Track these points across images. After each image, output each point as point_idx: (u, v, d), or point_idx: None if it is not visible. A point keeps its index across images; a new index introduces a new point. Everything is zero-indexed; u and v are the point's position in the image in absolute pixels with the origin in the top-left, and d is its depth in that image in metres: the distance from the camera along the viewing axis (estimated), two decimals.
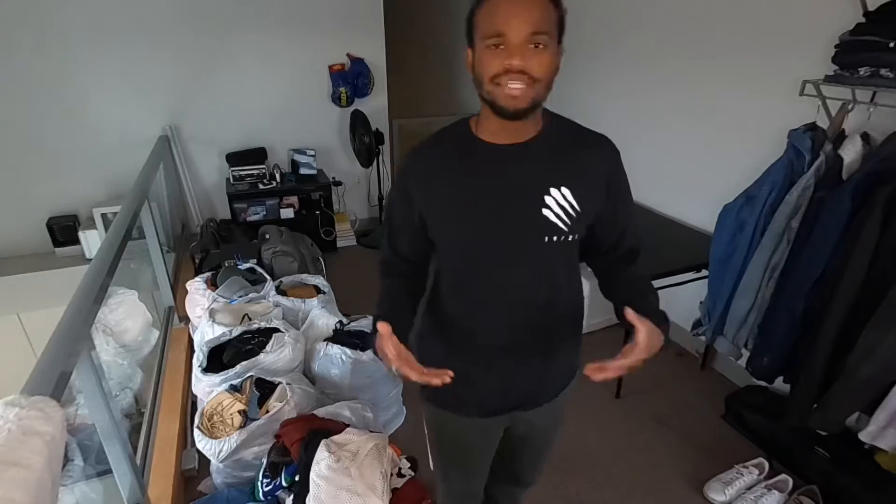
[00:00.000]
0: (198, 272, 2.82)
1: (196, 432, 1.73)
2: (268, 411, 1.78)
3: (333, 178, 3.88)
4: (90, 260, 1.86)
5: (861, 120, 1.64)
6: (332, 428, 1.71)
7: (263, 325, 2.13)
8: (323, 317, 2.26)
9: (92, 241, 3.25)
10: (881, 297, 1.45)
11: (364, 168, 3.92)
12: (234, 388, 1.88)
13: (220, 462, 1.70)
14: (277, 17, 3.47)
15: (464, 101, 4.91)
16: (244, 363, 1.92)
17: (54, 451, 0.79)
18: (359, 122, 3.66)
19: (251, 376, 1.89)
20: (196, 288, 2.46)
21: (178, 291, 2.71)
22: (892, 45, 1.44)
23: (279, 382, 1.87)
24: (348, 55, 3.74)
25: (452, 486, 1.27)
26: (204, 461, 1.86)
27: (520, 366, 1.02)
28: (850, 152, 1.60)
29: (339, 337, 2.14)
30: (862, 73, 1.53)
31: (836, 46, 1.62)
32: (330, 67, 3.71)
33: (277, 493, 1.66)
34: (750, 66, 2.08)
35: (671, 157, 2.58)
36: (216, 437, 1.70)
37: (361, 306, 2.47)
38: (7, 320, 2.99)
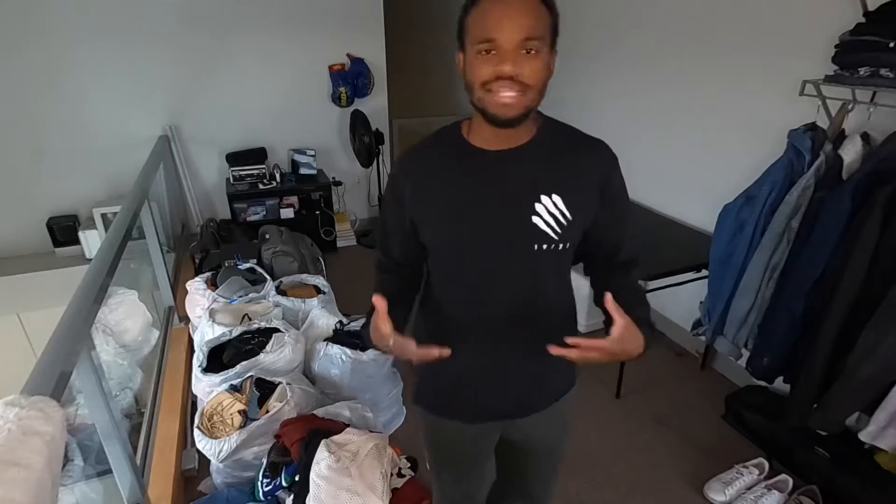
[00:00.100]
0: (198, 272, 2.82)
1: (196, 432, 1.73)
2: (268, 411, 1.78)
3: (333, 178, 3.88)
4: (90, 260, 1.86)
5: (861, 120, 1.64)
6: (332, 428, 1.71)
7: (263, 325, 2.13)
8: (323, 317, 2.26)
9: (92, 241, 3.25)
10: (881, 297, 1.45)
11: (364, 168, 3.92)
12: (234, 388, 1.88)
13: (220, 462, 1.70)
14: (277, 17, 3.47)
15: (464, 102, 4.78)
16: (244, 363, 1.92)
17: (54, 451, 0.79)
18: (359, 122, 3.67)
19: (251, 376, 1.89)
20: (196, 288, 2.46)
21: (178, 291, 2.71)
22: (892, 45, 1.44)
23: (279, 382, 1.87)
24: (348, 55, 3.74)
25: (445, 488, 1.26)
26: (204, 461, 1.86)
27: (510, 373, 1.00)
28: (850, 152, 1.60)
29: (339, 337, 2.14)
30: (862, 73, 1.53)
31: (836, 46, 1.62)
32: (330, 67, 3.72)
33: (277, 493, 1.67)
34: (750, 66, 2.08)
35: (671, 157, 2.58)
36: (216, 437, 1.70)
37: (361, 306, 2.45)
38: (7, 320, 3.00)
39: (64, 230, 3.34)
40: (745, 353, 1.94)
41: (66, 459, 1.68)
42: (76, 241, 3.32)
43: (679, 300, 2.41)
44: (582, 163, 0.90)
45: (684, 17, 2.38)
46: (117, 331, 2.20)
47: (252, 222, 3.53)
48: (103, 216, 3.18)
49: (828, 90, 1.69)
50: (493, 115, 0.80)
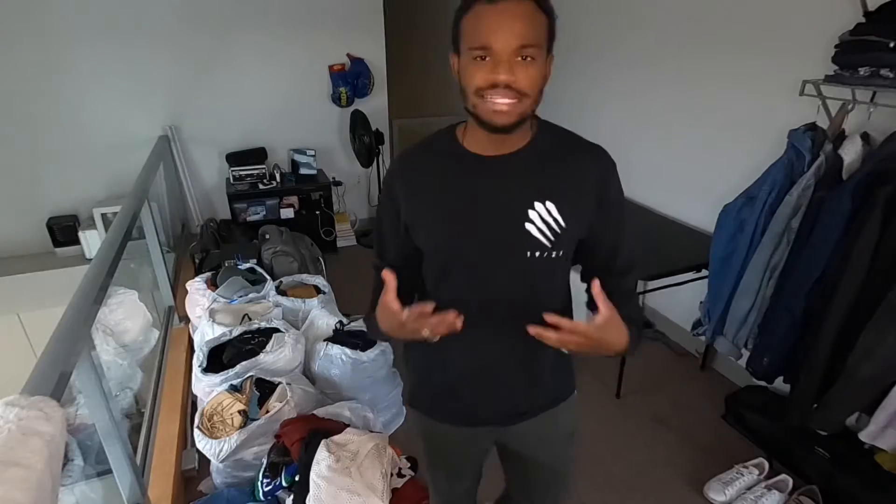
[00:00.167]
0: (198, 272, 2.82)
1: (196, 432, 1.73)
2: (268, 411, 1.78)
3: (333, 178, 3.88)
4: (90, 260, 1.86)
5: (861, 120, 1.64)
6: (332, 428, 1.71)
7: (263, 325, 2.13)
8: (323, 317, 2.26)
9: (92, 241, 3.26)
10: (881, 297, 1.45)
11: (364, 168, 3.92)
12: (234, 388, 1.88)
13: (220, 462, 1.70)
14: (277, 17, 3.47)
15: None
16: (244, 363, 1.92)
17: (54, 451, 0.79)
18: (359, 123, 3.67)
19: (251, 376, 1.89)
20: (196, 288, 2.46)
21: (178, 291, 2.72)
22: (892, 45, 1.44)
23: (279, 382, 1.87)
24: (348, 55, 3.74)
25: (438, 487, 1.27)
26: (204, 461, 1.86)
27: (503, 379, 1.00)
28: (850, 152, 1.60)
29: (339, 337, 2.14)
30: (862, 73, 1.53)
31: (836, 46, 1.62)
32: (330, 67, 3.71)
33: (277, 493, 1.67)
34: (750, 66, 2.08)
35: (671, 157, 2.58)
36: (216, 437, 1.70)
37: (361, 306, 2.46)
38: (7, 320, 3.00)
39: (64, 230, 3.34)
40: (745, 353, 1.94)
41: (67, 459, 1.68)
42: (76, 241, 3.33)
43: (679, 300, 2.41)
44: (578, 168, 0.88)
45: (684, 17, 2.38)
46: (117, 331, 2.21)
47: (252, 222, 3.53)
48: (103, 216, 3.19)
49: (828, 90, 1.69)
50: (487, 121, 0.78)
